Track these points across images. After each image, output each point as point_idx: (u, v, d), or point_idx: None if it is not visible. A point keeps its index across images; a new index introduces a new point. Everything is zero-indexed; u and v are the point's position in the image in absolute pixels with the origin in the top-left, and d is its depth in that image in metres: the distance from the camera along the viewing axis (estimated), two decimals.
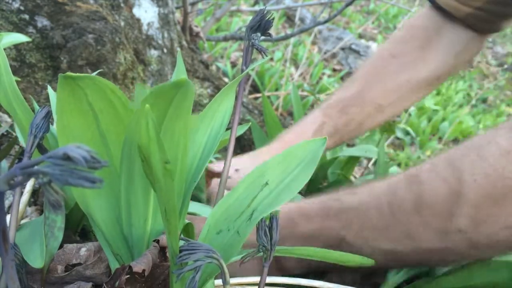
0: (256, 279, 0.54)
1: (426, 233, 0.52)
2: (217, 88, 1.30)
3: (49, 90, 0.55)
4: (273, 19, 0.45)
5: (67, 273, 0.45)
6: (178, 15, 1.50)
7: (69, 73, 0.35)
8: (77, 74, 0.36)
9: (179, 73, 0.54)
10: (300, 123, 0.89)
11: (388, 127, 1.15)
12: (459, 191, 0.50)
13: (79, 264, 0.46)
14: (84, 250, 0.47)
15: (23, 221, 0.55)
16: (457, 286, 0.52)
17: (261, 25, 0.45)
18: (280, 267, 0.62)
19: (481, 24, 0.83)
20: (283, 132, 0.91)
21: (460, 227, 0.50)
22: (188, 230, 0.48)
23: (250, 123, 0.74)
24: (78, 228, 0.60)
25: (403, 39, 0.91)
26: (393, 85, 0.88)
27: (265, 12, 0.45)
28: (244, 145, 1.22)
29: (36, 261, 0.43)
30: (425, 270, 0.63)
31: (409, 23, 0.95)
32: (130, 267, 0.41)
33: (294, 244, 0.58)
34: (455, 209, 0.50)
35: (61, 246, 0.47)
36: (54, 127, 0.53)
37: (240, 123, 1.22)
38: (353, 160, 1.12)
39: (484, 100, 3.73)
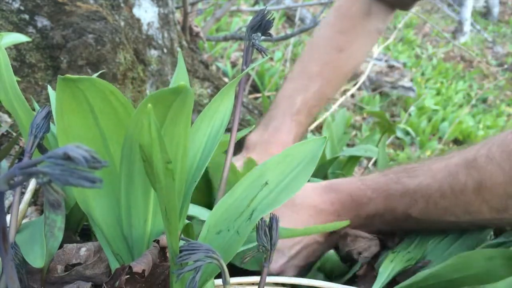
0: (256, 278, 0.54)
1: (486, 210, 0.60)
2: (217, 88, 1.30)
3: (49, 90, 0.55)
4: (274, 19, 0.45)
5: (67, 273, 0.45)
6: (178, 15, 1.50)
7: (68, 76, 0.35)
8: (77, 76, 0.36)
9: (180, 74, 0.54)
10: (276, 133, 0.93)
11: (388, 127, 1.15)
12: None
13: (79, 264, 0.46)
14: (84, 250, 0.47)
15: (23, 221, 0.55)
16: (454, 277, 0.54)
17: (261, 25, 0.45)
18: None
19: (399, 3, 1.01)
20: (257, 137, 0.93)
21: None
22: (188, 230, 0.48)
23: (253, 126, 0.74)
24: (78, 228, 0.60)
25: (343, 22, 1.00)
26: (343, 76, 1.01)
27: (265, 12, 0.45)
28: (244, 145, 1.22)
29: (36, 261, 0.43)
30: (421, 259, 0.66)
31: (337, 9, 1.03)
32: (130, 267, 0.41)
33: (359, 223, 0.70)
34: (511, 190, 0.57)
35: (61, 246, 0.47)
36: (54, 127, 0.53)
37: (240, 123, 1.21)
38: (354, 160, 1.12)
39: (484, 100, 3.73)
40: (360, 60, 1.06)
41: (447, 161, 0.65)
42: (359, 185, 0.71)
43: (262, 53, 0.45)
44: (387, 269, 0.62)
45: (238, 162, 0.82)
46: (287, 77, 1.01)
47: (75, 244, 0.47)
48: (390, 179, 0.69)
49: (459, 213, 0.63)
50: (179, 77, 0.54)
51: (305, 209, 0.70)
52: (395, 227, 0.71)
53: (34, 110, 0.56)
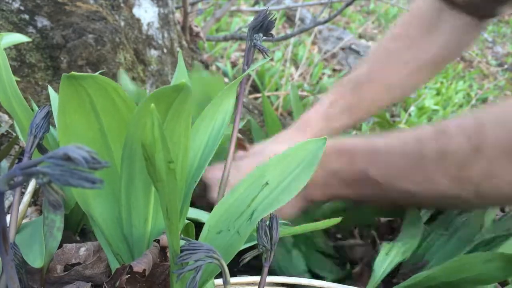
0: (256, 278, 0.54)
1: (444, 179, 0.59)
2: None
3: (50, 90, 0.55)
4: (275, 19, 0.45)
5: (66, 272, 0.45)
6: (178, 15, 1.50)
7: (72, 73, 0.35)
8: (80, 73, 0.36)
9: (180, 74, 0.54)
10: (315, 105, 0.90)
11: (388, 127, 1.15)
12: (479, 145, 0.56)
13: (79, 263, 0.46)
14: (83, 250, 0.47)
15: (23, 221, 0.55)
16: (452, 279, 0.54)
17: (263, 25, 0.45)
18: (310, 198, 0.69)
19: (478, 9, 0.87)
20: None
21: (472, 178, 0.56)
22: (188, 230, 0.48)
23: (249, 118, 0.74)
24: (78, 228, 0.60)
25: (407, 21, 0.94)
26: (399, 65, 0.92)
27: (267, 12, 0.45)
28: None
29: (36, 261, 0.43)
30: (417, 261, 0.66)
31: (411, 10, 0.97)
32: (130, 266, 0.41)
33: (323, 177, 0.67)
34: (472, 161, 0.56)
35: (60, 246, 0.46)
36: (53, 128, 0.53)
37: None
38: None
39: (484, 100, 3.73)
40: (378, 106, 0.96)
41: (419, 129, 0.65)
42: (338, 141, 0.70)
43: (264, 53, 0.45)
44: (383, 263, 0.61)
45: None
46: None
47: (74, 244, 0.47)
48: (361, 139, 0.69)
49: (419, 180, 0.61)
50: (179, 77, 0.54)
51: None
52: (356, 194, 0.67)
53: (32, 110, 0.56)
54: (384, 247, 0.63)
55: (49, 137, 0.52)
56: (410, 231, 0.68)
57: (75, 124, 0.39)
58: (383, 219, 0.80)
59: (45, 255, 0.44)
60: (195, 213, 0.59)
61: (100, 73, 0.72)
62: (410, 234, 0.67)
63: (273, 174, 0.44)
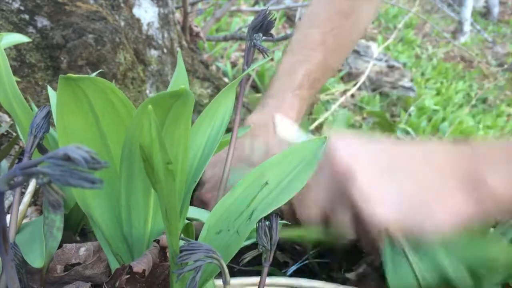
0: (256, 279, 0.54)
1: None
2: (217, 88, 1.29)
3: (49, 90, 0.55)
4: (275, 19, 0.45)
5: (66, 272, 0.45)
6: (178, 15, 1.50)
7: (69, 75, 0.35)
8: (78, 75, 0.36)
9: (180, 75, 0.54)
10: (277, 111, 0.83)
11: (388, 127, 1.15)
12: None
13: (78, 264, 0.46)
14: (83, 250, 0.47)
15: (23, 221, 0.55)
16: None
17: (263, 25, 0.45)
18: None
19: None
20: (258, 116, 0.83)
21: None
22: (188, 230, 0.48)
23: (251, 125, 0.74)
24: (78, 228, 0.60)
25: None
26: (349, 44, 0.93)
27: (267, 12, 0.45)
28: None
29: (36, 261, 0.43)
30: None
31: None
32: (130, 267, 0.41)
33: None
34: None
35: (60, 246, 0.47)
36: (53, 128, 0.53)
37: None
38: None
39: (484, 100, 3.73)
40: (366, 26, 0.96)
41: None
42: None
43: (264, 53, 0.45)
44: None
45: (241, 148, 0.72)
46: (286, 50, 0.91)
47: (74, 244, 0.47)
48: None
49: None
50: (179, 78, 0.54)
51: None
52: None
53: (32, 110, 0.56)
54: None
55: (49, 137, 0.53)
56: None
57: (73, 125, 0.39)
58: None
59: (45, 255, 0.44)
60: (194, 212, 0.59)
61: (100, 74, 0.72)
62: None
63: (273, 174, 0.44)
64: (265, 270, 0.42)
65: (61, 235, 0.46)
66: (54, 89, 0.53)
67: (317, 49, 0.85)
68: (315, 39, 0.86)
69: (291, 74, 0.85)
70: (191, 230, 0.48)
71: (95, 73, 0.68)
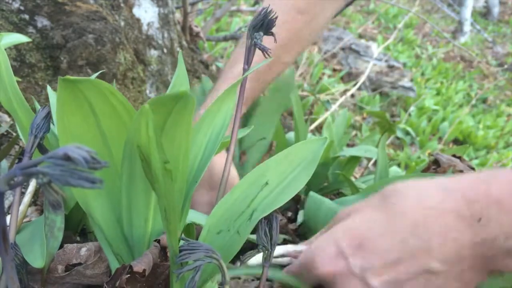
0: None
1: None
2: None
3: (49, 90, 0.55)
4: (276, 18, 0.45)
5: (67, 273, 0.45)
6: (178, 15, 1.50)
7: (68, 77, 0.35)
8: (77, 77, 0.36)
9: (180, 75, 0.54)
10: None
11: (388, 127, 1.15)
12: None
13: (80, 264, 0.46)
14: (84, 250, 0.47)
15: (23, 221, 0.55)
16: None
17: (263, 24, 0.45)
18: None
19: None
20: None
21: None
22: (189, 231, 0.48)
23: (252, 126, 0.74)
24: (78, 228, 0.60)
25: None
26: (301, 41, 0.91)
27: (268, 11, 0.45)
28: None
29: (37, 261, 0.43)
30: None
31: None
32: (130, 266, 0.41)
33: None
34: None
35: (61, 246, 0.47)
36: (54, 127, 0.53)
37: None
38: (354, 160, 1.12)
39: (484, 100, 3.73)
40: (322, 26, 0.94)
41: None
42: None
43: (264, 53, 0.45)
44: None
45: None
46: (238, 42, 0.89)
47: (75, 244, 0.47)
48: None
49: None
50: (179, 78, 0.54)
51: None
52: None
53: (35, 109, 0.56)
54: None
55: (49, 137, 0.53)
56: None
57: (74, 126, 0.39)
58: None
59: (46, 255, 0.44)
60: (193, 215, 0.59)
61: (100, 74, 0.72)
62: None
63: (273, 174, 0.44)
64: (265, 270, 0.42)
65: (62, 235, 0.46)
66: (54, 89, 0.53)
67: (265, 41, 0.84)
68: None
69: (233, 66, 0.83)
70: (192, 230, 0.48)
71: (95, 74, 0.68)
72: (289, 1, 0.86)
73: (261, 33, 0.45)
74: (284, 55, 0.87)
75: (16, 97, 0.47)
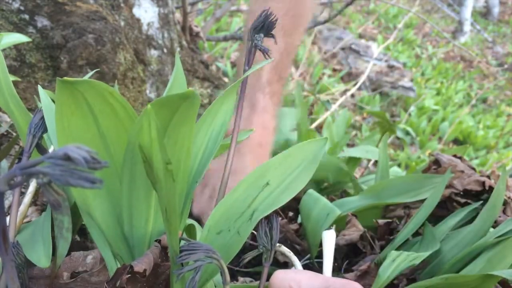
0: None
1: None
2: (217, 88, 1.29)
3: (40, 91, 0.54)
4: (276, 19, 0.45)
5: (72, 280, 0.45)
6: (178, 15, 1.50)
7: (66, 78, 0.35)
8: (75, 78, 0.36)
9: (177, 76, 0.54)
10: (252, 116, 0.80)
11: (388, 127, 1.15)
12: None
13: (85, 271, 0.46)
14: (90, 258, 0.47)
15: (23, 221, 0.55)
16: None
17: (264, 25, 0.45)
18: None
19: None
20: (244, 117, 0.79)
21: None
22: (190, 231, 0.48)
23: (253, 128, 0.73)
24: (77, 227, 0.60)
25: None
26: (303, 26, 0.91)
27: (268, 12, 0.45)
28: None
29: (41, 261, 0.43)
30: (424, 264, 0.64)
31: None
32: (131, 266, 0.41)
33: None
34: None
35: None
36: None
37: None
38: (354, 161, 1.12)
39: (484, 100, 3.73)
40: (314, 5, 0.96)
41: None
42: None
43: (265, 54, 0.45)
44: (387, 269, 0.61)
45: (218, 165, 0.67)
46: (242, 44, 0.89)
47: (81, 252, 0.47)
48: None
49: None
50: (177, 78, 0.54)
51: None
52: None
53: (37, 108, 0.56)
54: (391, 254, 0.62)
55: (46, 137, 0.52)
56: (427, 244, 0.68)
57: (73, 127, 0.39)
58: (381, 221, 0.80)
59: (57, 257, 0.43)
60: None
61: (100, 74, 0.71)
62: (426, 247, 0.67)
63: (273, 175, 0.44)
64: (265, 270, 0.42)
65: (71, 236, 0.45)
66: (53, 89, 0.52)
67: (278, 34, 0.84)
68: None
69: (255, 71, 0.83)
70: (193, 230, 0.48)
71: (89, 74, 0.67)
72: None
73: (262, 35, 0.45)
74: (294, 43, 0.86)
75: (12, 98, 0.47)
